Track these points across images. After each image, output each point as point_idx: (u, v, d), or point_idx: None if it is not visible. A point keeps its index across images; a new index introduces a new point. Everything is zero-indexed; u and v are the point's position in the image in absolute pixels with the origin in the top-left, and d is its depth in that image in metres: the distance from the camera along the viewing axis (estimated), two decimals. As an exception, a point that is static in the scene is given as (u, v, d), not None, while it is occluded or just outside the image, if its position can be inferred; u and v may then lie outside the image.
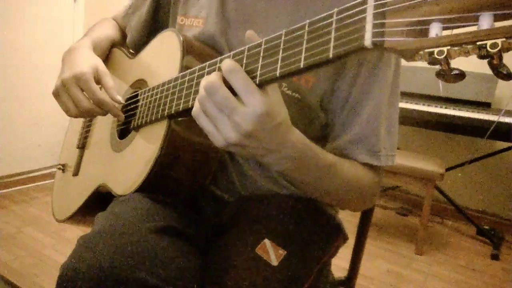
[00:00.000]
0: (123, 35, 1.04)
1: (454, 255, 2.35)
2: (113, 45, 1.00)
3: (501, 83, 2.50)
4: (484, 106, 2.40)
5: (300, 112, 0.74)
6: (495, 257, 2.34)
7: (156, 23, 0.94)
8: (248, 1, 0.76)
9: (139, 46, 0.95)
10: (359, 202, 0.78)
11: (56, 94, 0.82)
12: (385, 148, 0.74)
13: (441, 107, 2.36)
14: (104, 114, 0.81)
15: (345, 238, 0.86)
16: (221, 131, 0.54)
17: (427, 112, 2.34)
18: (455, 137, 2.71)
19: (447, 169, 2.46)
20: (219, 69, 0.56)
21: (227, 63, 0.53)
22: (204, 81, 0.54)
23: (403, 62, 0.74)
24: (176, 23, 0.86)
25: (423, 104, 2.40)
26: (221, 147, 0.55)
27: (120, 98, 0.80)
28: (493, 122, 2.17)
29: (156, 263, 0.56)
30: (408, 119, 2.34)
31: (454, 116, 2.28)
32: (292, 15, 0.73)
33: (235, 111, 0.52)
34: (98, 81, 0.82)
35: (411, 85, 2.53)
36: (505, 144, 2.38)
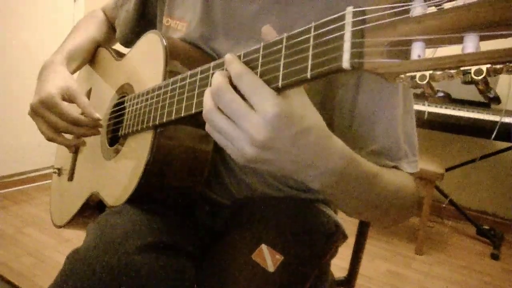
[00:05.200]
0: (112, 28, 1.01)
1: (454, 255, 2.34)
2: (99, 44, 0.98)
3: (501, 83, 2.48)
4: (484, 106, 2.39)
5: None
6: (495, 257, 2.34)
7: (144, 18, 0.91)
8: (236, 7, 0.73)
9: (128, 41, 0.94)
10: (400, 215, 0.69)
11: (32, 118, 0.81)
12: (406, 156, 0.70)
13: (441, 107, 2.35)
14: (81, 133, 0.80)
15: (344, 238, 0.85)
16: (235, 145, 0.46)
17: (427, 112, 2.33)
18: (455, 137, 2.70)
19: (447, 169, 2.46)
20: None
21: (233, 68, 0.46)
22: (209, 89, 0.47)
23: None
24: (162, 23, 0.84)
25: (423, 104, 2.39)
26: (242, 164, 0.48)
27: (98, 115, 0.78)
28: (493, 122, 2.16)
29: (142, 283, 0.57)
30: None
31: (454, 116, 2.27)
32: (281, 21, 0.69)
33: (243, 118, 0.44)
34: (70, 101, 0.80)
35: (411, 84, 2.51)
36: (505, 144, 2.37)
